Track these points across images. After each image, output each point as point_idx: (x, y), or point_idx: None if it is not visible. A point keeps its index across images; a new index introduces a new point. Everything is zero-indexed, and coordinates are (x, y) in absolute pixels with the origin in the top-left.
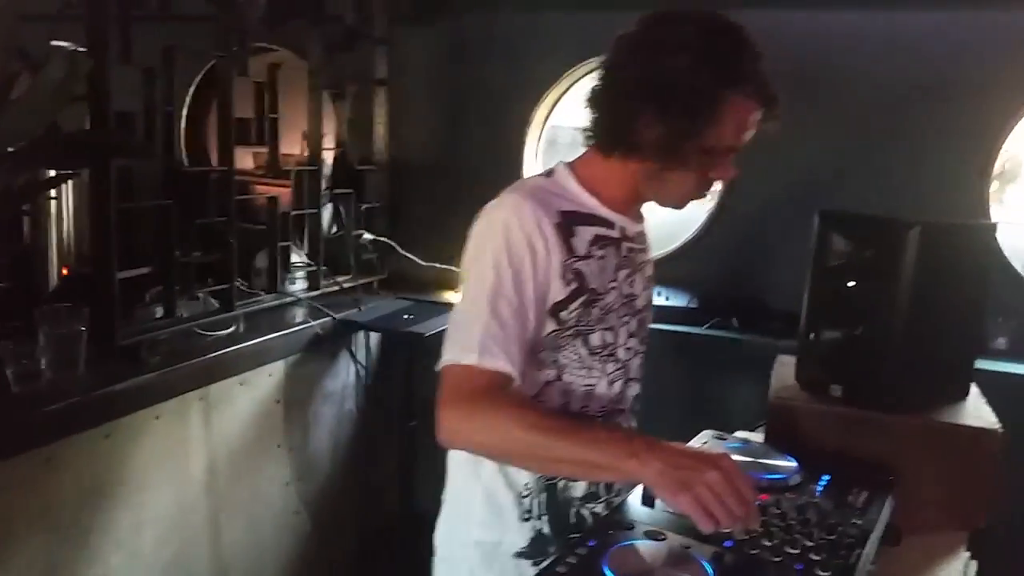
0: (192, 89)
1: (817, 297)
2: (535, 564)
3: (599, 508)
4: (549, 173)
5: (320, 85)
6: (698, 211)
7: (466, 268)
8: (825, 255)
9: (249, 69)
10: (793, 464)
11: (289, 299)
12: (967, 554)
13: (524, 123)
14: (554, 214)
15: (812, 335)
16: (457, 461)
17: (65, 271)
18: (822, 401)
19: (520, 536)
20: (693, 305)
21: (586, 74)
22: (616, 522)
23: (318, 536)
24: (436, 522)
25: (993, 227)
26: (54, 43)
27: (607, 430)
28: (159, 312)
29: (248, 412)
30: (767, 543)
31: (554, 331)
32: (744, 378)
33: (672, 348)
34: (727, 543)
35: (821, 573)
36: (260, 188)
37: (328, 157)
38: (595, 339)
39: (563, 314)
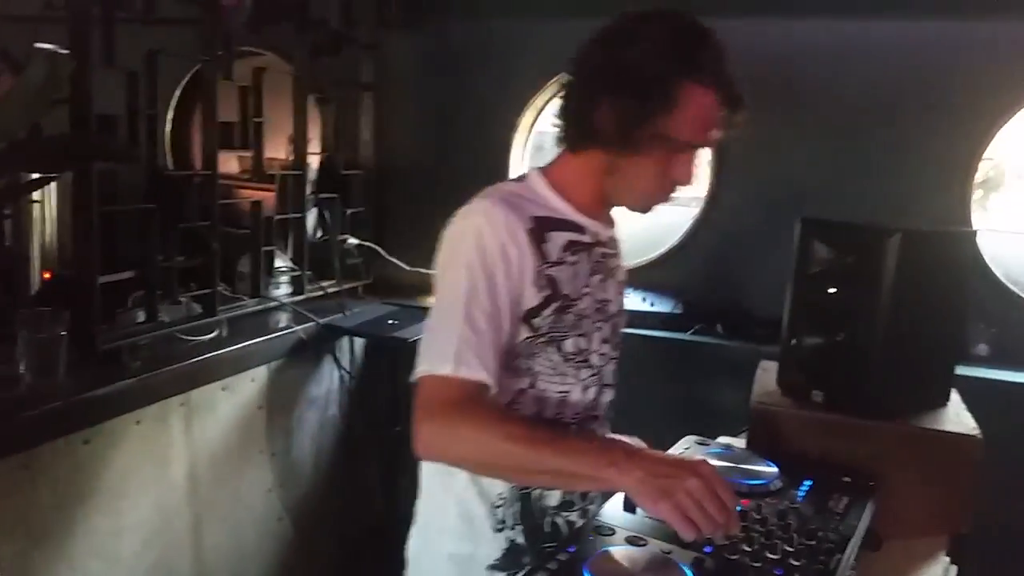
0: (178, 92)
1: (799, 304)
2: None
3: (574, 516)
4: (521, 178)
5: (305, 89)
6: (682, 218)
7: (439, 274)
8: (807, 262)
9: (234, 73)
10: (774, 469)
11: (273, 304)
12: (947, 559)
13: (510, 129)
14: (527, 219)
15: (794, 341)
16: (429, 472)
17: (47, 275)
18: (804, 407)
19: (494, 547)
20: (677, 311)
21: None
22: (597, 528)
23: (301, 542)
24: (407, 535)
25: (973, 234)
26: (36, 45)
27: (586, 439)
28: (141, 317)
29: (230, 417)
30: (747, 548)
31: (528, 338)
32: (728, 384)
33: (656, 354)
34: (707, 549)
35: None
36: (244, 192)
37: (313, 161)
38: (569, 345)
39: (536, 321)
